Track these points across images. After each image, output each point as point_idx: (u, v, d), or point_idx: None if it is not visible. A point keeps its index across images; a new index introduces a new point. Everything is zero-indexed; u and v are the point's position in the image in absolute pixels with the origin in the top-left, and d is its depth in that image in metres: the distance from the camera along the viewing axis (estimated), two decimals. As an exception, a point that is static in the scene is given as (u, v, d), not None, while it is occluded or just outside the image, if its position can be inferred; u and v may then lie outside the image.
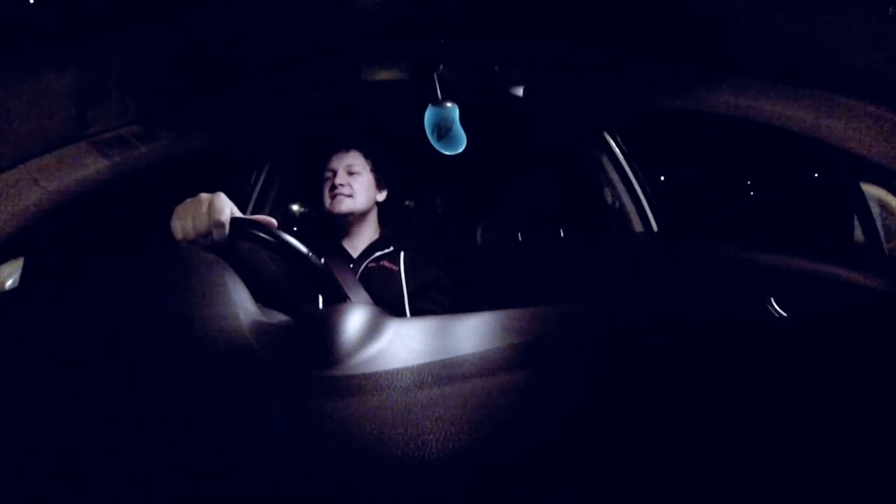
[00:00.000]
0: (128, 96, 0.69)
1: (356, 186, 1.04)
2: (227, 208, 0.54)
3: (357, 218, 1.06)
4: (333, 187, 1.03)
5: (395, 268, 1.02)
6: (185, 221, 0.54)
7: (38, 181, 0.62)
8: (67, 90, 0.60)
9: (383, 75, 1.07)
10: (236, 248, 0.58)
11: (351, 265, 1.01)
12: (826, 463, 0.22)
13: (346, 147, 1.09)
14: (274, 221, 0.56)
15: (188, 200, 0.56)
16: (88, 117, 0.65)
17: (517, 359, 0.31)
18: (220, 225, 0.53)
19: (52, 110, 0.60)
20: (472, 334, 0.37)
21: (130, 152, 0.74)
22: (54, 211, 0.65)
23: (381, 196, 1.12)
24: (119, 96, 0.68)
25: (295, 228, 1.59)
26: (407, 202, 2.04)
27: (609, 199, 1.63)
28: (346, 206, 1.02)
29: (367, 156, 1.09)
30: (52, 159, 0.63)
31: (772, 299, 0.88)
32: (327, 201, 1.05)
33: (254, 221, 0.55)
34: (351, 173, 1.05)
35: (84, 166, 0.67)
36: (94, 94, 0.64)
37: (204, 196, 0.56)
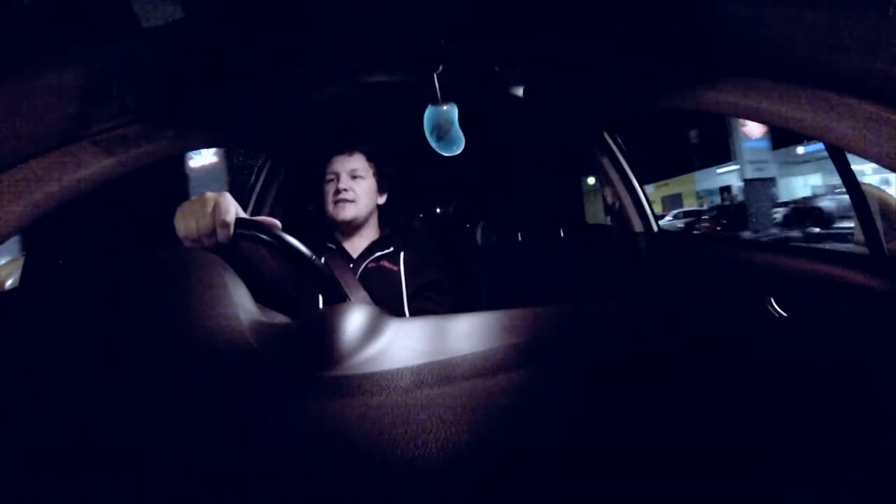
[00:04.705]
0: (128, 96, 0.69)
1: (359, 191, 1.04)
2: (232, 209, 0.54)
3: (359, 223, 1.07)
4: (337, 192, 1.02)
5: (394, 268, 1.02)
6: (189, 221, 0.54)
7: (39, 181, 0.62)
8: (67, 90, 0.60)
9: (383, 75, 1.07)
10: (238, 248, 0.58)
11: (351, 265, 1.01)
12: (826, 462, 0.22)
13: (349, 149, 1.08)
14: (278, 223, 0.56)
15: (193, 199, 0.56)
16: (88, 117, 0.65)
17: (517, 359, 0.31)
18: (226, 225, 0.53)
19: (52, 110, 0.60)
20: (471, 334, 0.37)
21: (130, 152, 0.74)
22: (54, 211, 0.65)
23: (382, 199, 1.12)
24: (119, 95, 0.68)
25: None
26: (420, 215, 2.04)
27: (609, 199, 1.63)
28: (349, 212, 1.02)
29: (369, 159, 1.08)
30: (52, 159, 0.63)
31: (772, 299, 0.88)
32: (330, 206, 1.04)
33: (258, 223, 0.55)
34: (354, 177, 1.05)
35: (84, 166, 0.67)
36: (94, 93, 0.64)
37: (209, 195, 0.56)
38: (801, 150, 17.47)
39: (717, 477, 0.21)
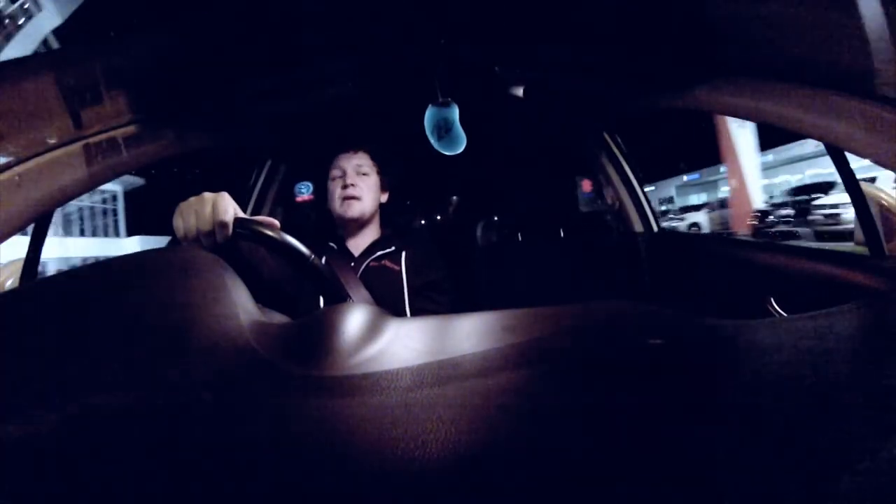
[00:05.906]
0: (127, 96, 0.69)
1: (364, 187, 1.05)
2: (230, 208, 0.55)
3: (364, 221, 1.07)
4: (345, 187, 1.03)
5: (396, 267, 1.02)
6: (188, 220, 0.54)
7: (38, 182, 0.62)
8: (67, 91, 0.60)
9: (384, 75, 1.08)
10: (238, 248, 0.58)
11: (352, 264, 1.01)
12: (826, 462, 0.22)
13: (354, 147, 1.09)
14: (276, 223, 0.57)
15: (191, 199, 0.56)
16: (87, 118, 0.65)
17: (517, 359, 0.31)
18: (224, 225, 0.53)
19: (51, 111, 0.60)
20: (471, 334, 0.37)
21: (130, 152, 0.74)
22: (54, 211, 0.65)
23: (384, 198, 1.13)
24: (118, 96, 0.68)
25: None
26: (422, 221, 2.04)
27: (609, 199, 1.63)
28: (356, 210, 1.03)
29: (374, 157, 1.10)
30: (51, 160, 0.63)
31: (772, 299, 0.88)
32: (337, 204, 1.05)
33: (257, 222, 0.55)
34: (360, 174, 1.06)
35: (83, 166, 0.67)
36: (93, 94, 0.64)
37: (208, 196, 0.56)
38: (685, 178, 26.53)
39: (716, 477, 0.21)
